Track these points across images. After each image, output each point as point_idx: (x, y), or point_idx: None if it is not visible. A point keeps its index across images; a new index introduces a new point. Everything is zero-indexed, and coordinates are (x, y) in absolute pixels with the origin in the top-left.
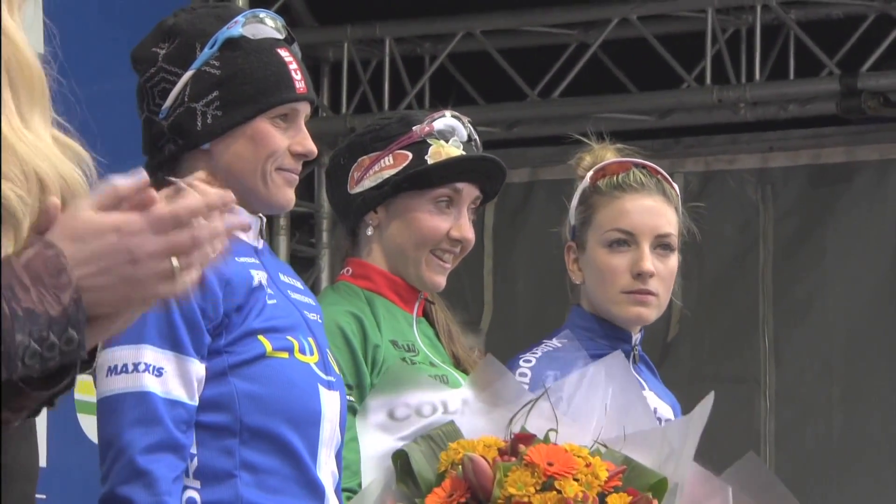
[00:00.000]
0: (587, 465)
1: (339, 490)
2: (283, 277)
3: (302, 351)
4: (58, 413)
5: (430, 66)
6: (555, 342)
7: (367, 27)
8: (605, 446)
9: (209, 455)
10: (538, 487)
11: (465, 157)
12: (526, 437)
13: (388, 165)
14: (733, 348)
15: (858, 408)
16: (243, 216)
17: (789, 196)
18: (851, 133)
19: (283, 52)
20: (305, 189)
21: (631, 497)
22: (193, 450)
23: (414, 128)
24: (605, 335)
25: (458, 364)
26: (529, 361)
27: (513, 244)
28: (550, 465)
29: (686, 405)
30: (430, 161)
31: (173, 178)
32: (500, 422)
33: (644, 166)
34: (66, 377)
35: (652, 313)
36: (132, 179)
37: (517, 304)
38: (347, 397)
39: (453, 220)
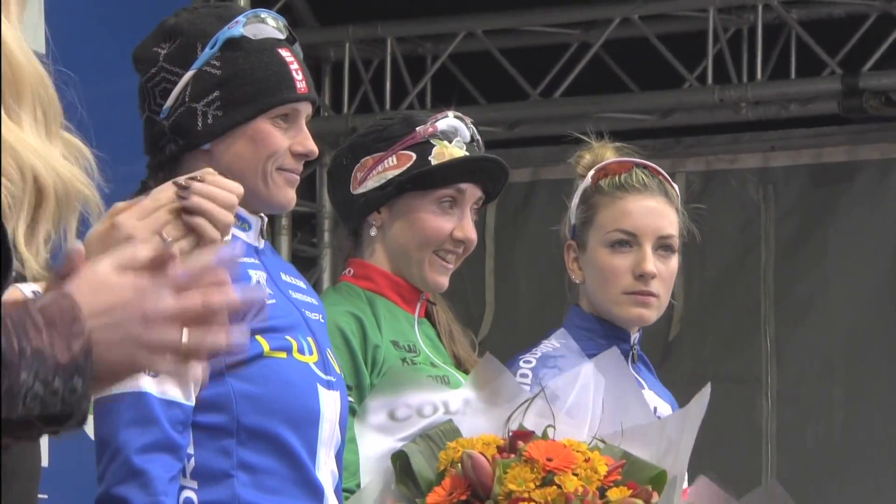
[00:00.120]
0: (586, 460)
1: (339, 490)
2: (284, 277)
3: (301, 350)
4: None
5: (431, 66)
6: (553, 342)
7: (368, 27)
8: (603, 441)
9: (206, 455)
10: (538, 483)
11: (469, 157)
12: (524, 434)
13: (392, 166)
14: (735, 348)
15: (859, 407)
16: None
17: (791, 195)
18: (853, 132)
19: (284, 52)
20: (307, 189)
21: (631, 490)
22: (190, 450)
23: (417, 128)
24: (605, 335)
25: (460, 364)
26: (529, 362)
27: (514, 244)
28: (550, 460)
29: (686, 405)
30: (433, 162)
31: (182, 179)
32: (497, 420)
33: (645, 166)
34: (65, 424)
35: (652, 314)
36: (155, 245)
37: (519, 303)
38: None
39: (456, 221)
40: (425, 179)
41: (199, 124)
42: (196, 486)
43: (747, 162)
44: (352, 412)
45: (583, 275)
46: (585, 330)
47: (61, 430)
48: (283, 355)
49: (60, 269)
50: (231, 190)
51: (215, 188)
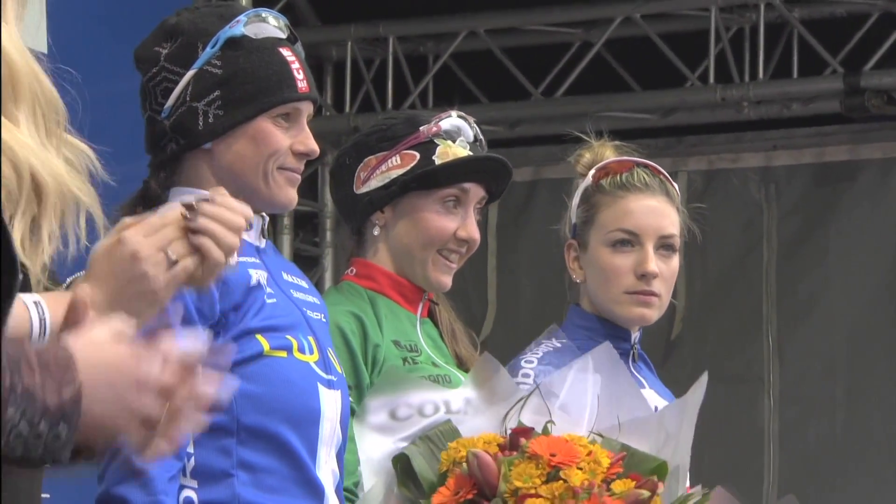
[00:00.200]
0: (588, 454)
1: (339, 489)
2: (286, 276)
3: (301, 350)
4: None
5: (433, 65)
6: (554, 342)
7: (370, 26)
8: (600, 436)
9: (206, 454)
10: (544, 478)
11: (473, 157)
12: (524, 431)
13: (396, 165)
14: (737, 347)
15: (861, 406)
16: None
17: (793, 195)
18: (855, 131)
19: (286, 52)
20: (309, 188)
21: (635, 482)
22: (190, 449)
23: (421, 128)
24: (605, 334)
25: (461, 364)
26: (531, 362)
27: (516, 243)
28: (553, 455)
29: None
30: (437, 161)
31: (189, 200)
32: (495, 419)
33: (646, 165)
34: (47, 465)
35: (654, 314)
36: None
37: (521, 302)
38: None
39: (460, 220)
40: (429, 179)
41: (200, 123)
42: (196, 486)
43: (749, 161)
44: (351, 412)
45: (583, 274)
46: (586, 329)
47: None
48: (284, 354)
49: (69, 316)
50: (240, 213)
51: (223, 210)
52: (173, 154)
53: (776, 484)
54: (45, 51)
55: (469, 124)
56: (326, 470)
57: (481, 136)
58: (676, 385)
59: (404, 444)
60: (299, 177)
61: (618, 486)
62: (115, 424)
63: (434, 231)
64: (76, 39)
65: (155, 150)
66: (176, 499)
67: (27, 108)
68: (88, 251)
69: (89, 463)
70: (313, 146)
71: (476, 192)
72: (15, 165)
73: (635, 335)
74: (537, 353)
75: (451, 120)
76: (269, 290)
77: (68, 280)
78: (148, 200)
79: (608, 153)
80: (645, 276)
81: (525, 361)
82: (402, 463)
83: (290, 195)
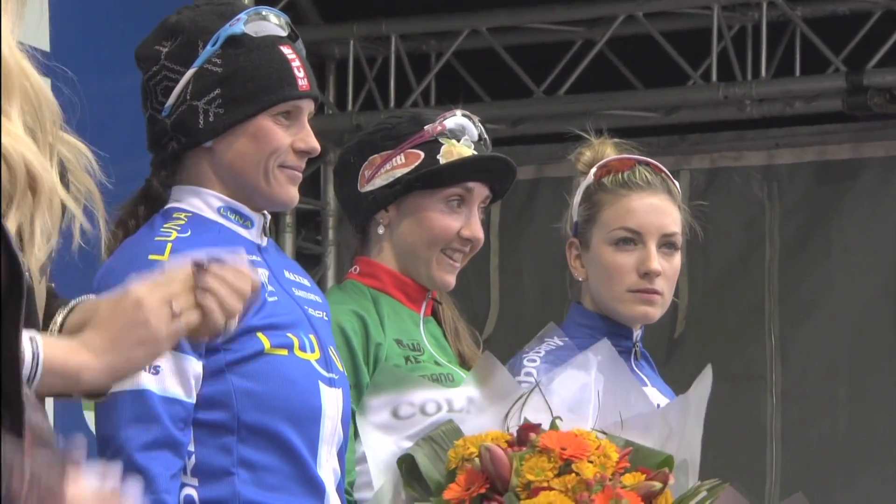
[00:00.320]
0: (597, 448)
1: (341, 488)
2: (288, 274)
3: (302, 348)
4: (65, 410)
5: (435, 64)
6: (556, 340)
7: (372, 24)
8: (603, 433)
9: (207, 453)
10: (556, 472)
11: (478, 156)
12: (532, 427)
13: (400, 164)
14: (739, 346)
15: (864, 405)
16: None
17: (795, 193)
18: (857, 130)
19: (286, 50)
20: (311, 186)
21: (645, 475)
22: (191, 447)
23: (425, 127)
24: (607, 332)
25: (464, 363)
26: (534, 361)
27: (519, 241)
28: (564, 449)
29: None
30: (442, 160)
31: (203, 258)
32: (497, 417)
33: (647, 163)
34: None
35: (657, 312)
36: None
37: (523, 300)
38: None
39: (464, 220)
40: (434, 178)
41: (201, 122)
42: (196, 484)
43: (751, 159)
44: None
45: (585, 272)
46: (588, 327)
47: None
48: (285, 352)
49: (63, 456)
50: (248, 279)
51: (232, 274)
52: (174, 153)
53: (778, 483)
54: (48, 49)
55: (474, 123)
56: (327, 468)
57: (486, 136)
58: (679, 384)
59: (408, 443)
60: (300, 175)
61: (628, 479)
62: None
63: (438, 230)
64: (78, 38)
65: (156, 148)
66: (177, 497)
67: (17, 104)
68: (87, 252)
69: None
70: (314, 144)
71: (480, 191)
72: (8, 159)
73: (637, 333)
74: (539, 352)
75: (456, 119)
76: (270, 288)
77: (72, 303)
78: (150, 199)
79: (609, 151)
80: (648, 275)
81: (528, 360)
82: (406, 464)
83: (291, 193)
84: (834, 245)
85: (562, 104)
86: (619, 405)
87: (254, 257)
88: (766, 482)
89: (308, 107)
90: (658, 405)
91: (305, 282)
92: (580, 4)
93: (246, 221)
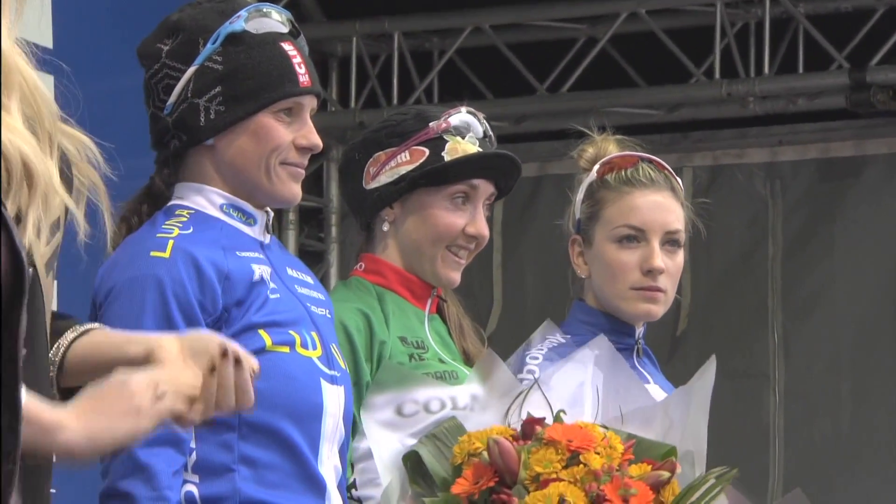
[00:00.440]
0: (603, 439)
1: (342, 485)
2: (290, 272)
3: (304, 345)
4: None
5: (438, 61)
6: (559, 337)
7: (375, 22)
8: (605, 427)
9: (208, 449)
10: (564, 463)
11: (483, 153)
12: (537, 420)
13: (405, 161)
14: (742, 343)
15: (867, 403)
16: None
17: (798, 190)
18: (860, 127)
19: (287, 46)
20: (314, 183)
21: (650, 466)
22: (192, 444)
23: (430, 124)
24: (610, 330)
25: (469, 360)
26: (536, 358)
27: (521, 239)
28: (571, 441)
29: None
30: (446, 157)
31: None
32: (499, 414)
33: (650, 160)
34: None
35: (660, 309)
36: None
37: (526, 298)
38: None
39: (469, 217)
40: (438, 175)
41: (202, 120)
42: (197, 480)
43: (754, 157)
44: None
45: (588, 269)
46: (590, 325)
47: None
48: (286, 350)
49: None
50: (248, 397)
51: (235, 383)
52: (176, 150)
53: (781, 480)
54: (51, 45)
55: (478, 120)
56: (328, 466)
57: (491, 132)
58: (681, 381)
59: (412, 440)
60: (303, 171)
61: (634, 470)
62: None
63: (443, 227)
64: (81, 35)
65: (159, 146)
66: (179, 493)
67: (17, 98)
68: (92, 246)
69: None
70: (316, 140)
71: (485, 188)
72: (5, 152)
73: (639, 330)
74: (542, 350)
75: (461, 116)
76: (272, 285)
77: (85, 326)
78: (153, 196)
79: (611, 148)
80: (651, 272)
81: (530, 357)
82: (411, 461)
83: (293, 190)
84: (837, 242)
85: (564, 101)
86: (618, 400)
87: (256, 254)
88: (770, 479)
89: (310, 103)
90: None
91: (308, 279)
92: (583, 2)
93: (248, 218)
